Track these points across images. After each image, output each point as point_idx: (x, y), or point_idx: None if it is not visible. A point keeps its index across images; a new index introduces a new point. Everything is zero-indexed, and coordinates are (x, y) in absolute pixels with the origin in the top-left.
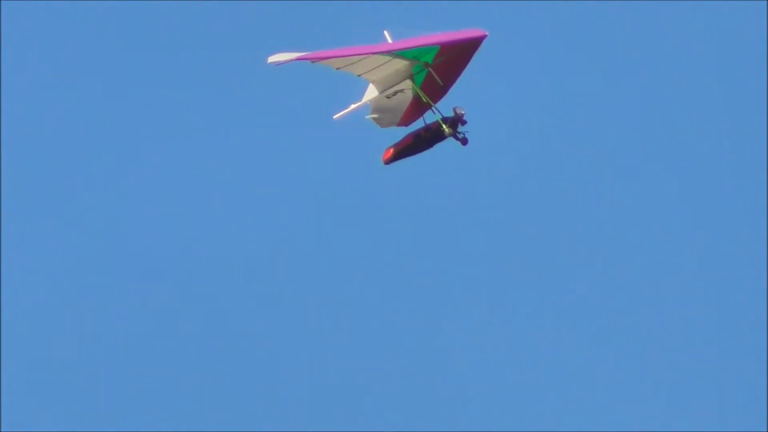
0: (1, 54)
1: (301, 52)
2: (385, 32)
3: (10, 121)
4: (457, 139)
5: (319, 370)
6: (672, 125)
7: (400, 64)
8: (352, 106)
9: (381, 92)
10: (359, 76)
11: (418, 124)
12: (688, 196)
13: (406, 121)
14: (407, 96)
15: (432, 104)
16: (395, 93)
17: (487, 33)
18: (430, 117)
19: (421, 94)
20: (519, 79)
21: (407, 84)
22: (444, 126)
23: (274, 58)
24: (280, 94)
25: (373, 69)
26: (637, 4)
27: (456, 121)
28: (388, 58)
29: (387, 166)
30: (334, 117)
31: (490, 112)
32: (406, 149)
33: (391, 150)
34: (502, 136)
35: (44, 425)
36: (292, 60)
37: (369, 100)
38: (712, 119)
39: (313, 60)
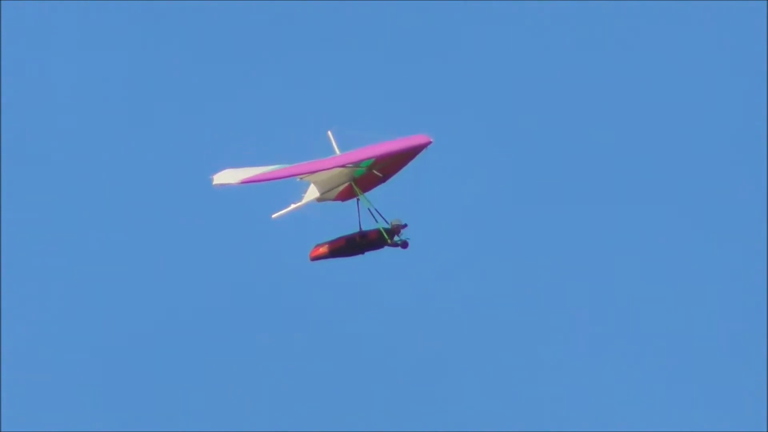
0: (1, 54)
1: (245, 168)
2: (329, 133)
3: (11, 121)
4: (396, 245)
5: None
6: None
7: (342, 169)
8: (292, 206)
9: (322, 192)
10: (300, 179)
11: (352, 215)
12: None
13: (342, 197)
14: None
15: (362, 195)
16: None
17: (431, 140)
18: (367, 223)
19: (357, 191)
20: (460, 179)
21: (348, 177)
22: (386, 235)
23: (219, 180)
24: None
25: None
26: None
27: (393, 234)
28: None
29: (312, 262)
30: (273, 216)
31: (432, 215)
32: (336, 251)
33: (320, 249)
34: (444, 239)
35: (44, 425)
36: (236, 183)
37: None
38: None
39: (258, 182)
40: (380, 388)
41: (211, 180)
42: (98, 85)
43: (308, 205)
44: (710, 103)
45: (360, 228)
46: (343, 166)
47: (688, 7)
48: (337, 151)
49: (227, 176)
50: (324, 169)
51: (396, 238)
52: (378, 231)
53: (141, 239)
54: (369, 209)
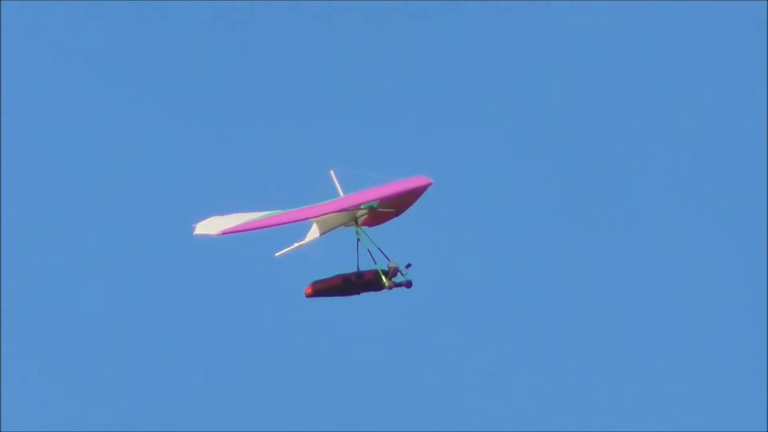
0: (1, 54)
1: (233, 215)
2: (331, 172)
3: (10, 123)
4: (399, 285)
5: None
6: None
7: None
8: (295, 245)
9: (323, 233)
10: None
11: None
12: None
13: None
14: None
15: (363, 235)
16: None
17: (431, 181)
18: (365, 263)
19: (358, 231)
20: (464, 218)
21: (350, 218)
22: (384, 278)
23: (201, 229)
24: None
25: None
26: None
27: (390, 276)
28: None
29: (307, 299)
30: (276, 255)
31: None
32: (331, 290)
33: (316, 286)
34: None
35: (44, 425)
36: (215, 234)
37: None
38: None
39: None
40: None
41: (193, 229)
42: (92, 116)
43: (312, 242)
44: (710, 103)
45: (358, 268)
46: (335, 212)
47: (688, 8)
48: (340, 191)
49: (211, 225)
50: (312, 217)
51: (400, 278)
52: (375, 272)
53: (136, 280)
54: (368, 250)
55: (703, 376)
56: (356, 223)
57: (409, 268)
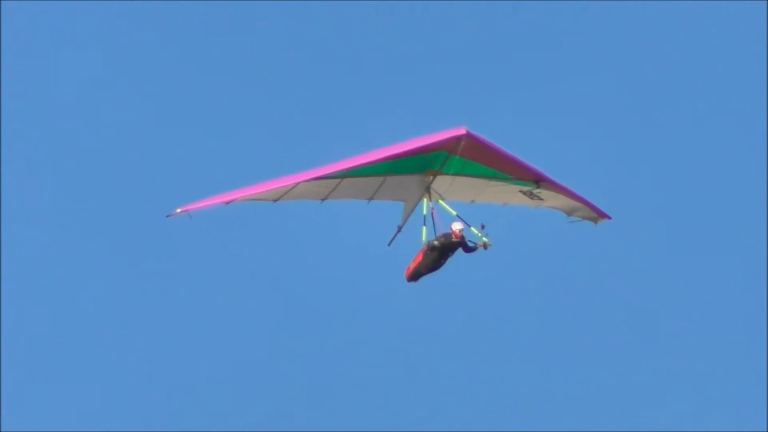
0: (1, 54)
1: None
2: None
3: (10, 123)
4: (470, 249)
5: None
6: None
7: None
8: (397, 231)
9: (408, 213)
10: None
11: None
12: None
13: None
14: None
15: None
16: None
17: (465, 132)
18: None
19: (426, 198)
20: None
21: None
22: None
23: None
24: None
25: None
26: None
27: (449, 238)
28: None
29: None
30: (389, 245)
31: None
32: (421, 268)
33: (409, 269)
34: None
35: (44, 425)
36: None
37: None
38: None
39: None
40: None
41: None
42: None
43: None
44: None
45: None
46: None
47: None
48: None
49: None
50: (283, 186)
51: (477, 239)
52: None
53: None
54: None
55: (702, 376)
56: (428, 192)
57: (485, 229)
